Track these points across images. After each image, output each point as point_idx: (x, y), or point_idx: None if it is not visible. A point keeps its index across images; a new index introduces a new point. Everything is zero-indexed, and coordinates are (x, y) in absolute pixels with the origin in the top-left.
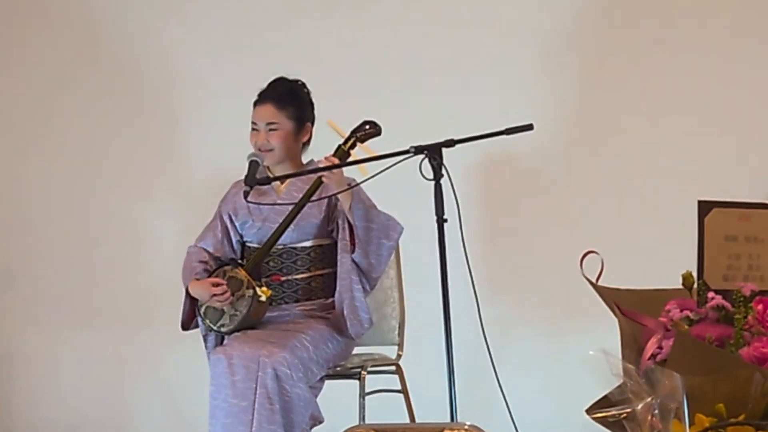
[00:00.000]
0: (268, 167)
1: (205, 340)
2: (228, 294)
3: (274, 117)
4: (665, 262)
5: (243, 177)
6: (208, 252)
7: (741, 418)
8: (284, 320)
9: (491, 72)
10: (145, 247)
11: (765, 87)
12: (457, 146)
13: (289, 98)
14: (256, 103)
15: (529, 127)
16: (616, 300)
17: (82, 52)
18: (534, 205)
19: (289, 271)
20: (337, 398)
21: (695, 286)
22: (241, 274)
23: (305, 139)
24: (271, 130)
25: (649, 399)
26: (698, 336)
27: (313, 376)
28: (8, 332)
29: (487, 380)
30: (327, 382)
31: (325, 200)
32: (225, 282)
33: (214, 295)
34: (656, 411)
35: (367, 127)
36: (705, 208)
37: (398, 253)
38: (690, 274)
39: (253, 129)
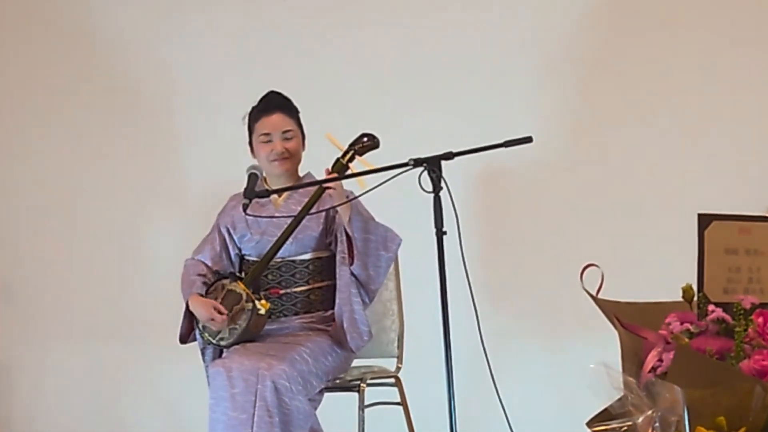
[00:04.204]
0: (265, 180)
1: (203, 354)
2: (224, 323)
3: (288, 125)
4: (665, 274)
5: (241, 190)
6: (206, 265)
7: (742, 431)
8: (283, 333)
9: (490, 85)
10: (142, 260)
11: (765, 99)
12: (457, 159)
13: (293, 108)
14: (261, 115)
15: (528, 140)
16: (617, 313)
17: (82, 65)
18: (533, 217)
19: (288, 284)
20: (337, 411)
21: (695, 298)
22: (240, 287)
23: (304, 150)
24: (286, 138)
25: (649, 412)
26: (699, 349)
27: (312, 389)
28: (6, 345)
29: (486, 393)
30: (326, 394)
31: (324, 213)
32: (226, 312)
33: (212, 319)
34: (657, 424)
35: (365, 139)
36: (705, 220)
37: (397, 265)
38: (690, 287)
39: (264, 141)
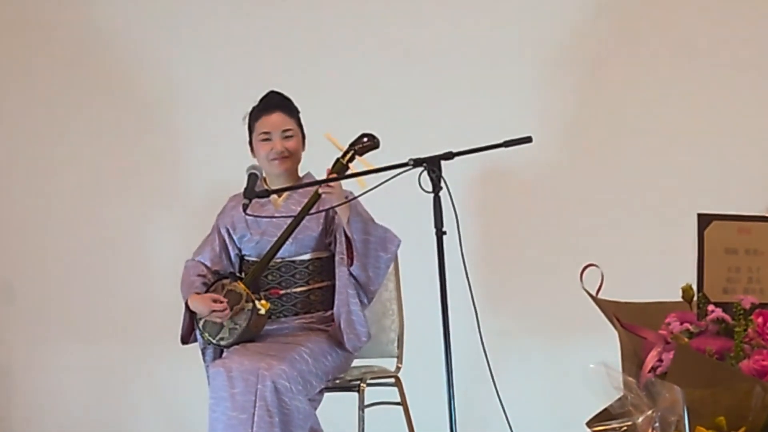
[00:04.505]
0: (265, 180)
1: (204, 354)
2: (227, 311)
3: (288, 124)
4: (665, 274)
5: (241, 190)
6: (205, 266)
7: (741, 431)
8: (283, 333)
9: (490, 84)
10: (143, 261)
11: (764, 99)
12: (456, 159)
13: (294, 108)
14: (261, 114)
15: (527, 140)
16: (616, 313)
17: (81, 66)
18: (533, 217)
19: (288, 285)
20: (337, 411)
21: (695, 298)
22: (240, 287)
23: (304, 150)
24: (286, 137)
25: (649, 412)
26: (698, 349)
27: (312, 389)
28: (7, 345)
29: (486, 393)
30: (326, 394)
31: (323, 213)
32: (225, 300)
33: (214, 311)
34: (657, 424)
35: (365, 139)
36: (704, 220)
37: (397, 265)
38: (690, 287)
39: (264, 140)
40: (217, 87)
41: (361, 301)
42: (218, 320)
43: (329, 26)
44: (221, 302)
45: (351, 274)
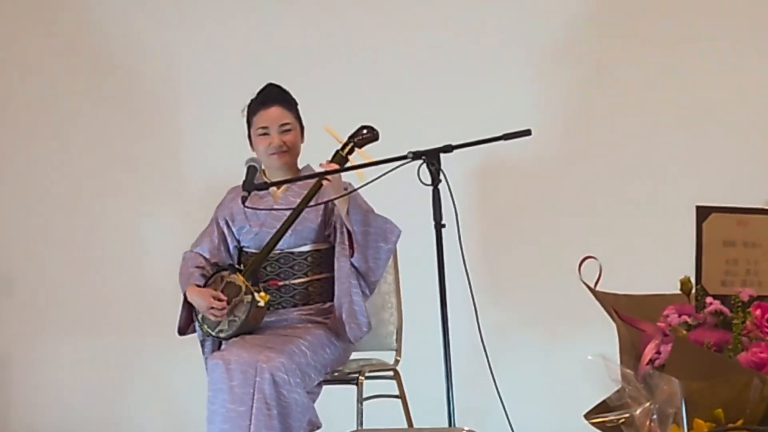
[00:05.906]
0: (264, 172)
1: (203, 346)
2: (225, 309)
3: (286, 118)
4: (663, 267)
5: (240, 183)
6: (204, 257)
7: (739, 423)
8: (282, 325)
9: (489, 78)
10: (141, 253)
11: (763, 92)
12: (455, 151)
13: (292, 101)
14: (259, 108)
15: (527, 133)
16: (615, 305)
17: (82, 61)
18: (532, 210)
19: (287, 276)
20: (335, 403)
21: (693, 291)
22: (239, 279)
23: (303, 142)
24: (284, 131)
25: (647, 404)
26: (696, 341)
27: (310, 382)
28: (6, 337)
29: (484, 385)
30: (325, 387)
31: (322, 205)
32: (225, 298)
33: (212, 308)
34: (654, 416)
35: (365, 132)
36: (703, 213)
37: (396, 258)
38: (688, 279)
39: (262, 134)
40: (215, 79)
41: (362, 292)
42: (214, 318)
43: (328, 21)
44: (220, 300)
45: (352, 264)
